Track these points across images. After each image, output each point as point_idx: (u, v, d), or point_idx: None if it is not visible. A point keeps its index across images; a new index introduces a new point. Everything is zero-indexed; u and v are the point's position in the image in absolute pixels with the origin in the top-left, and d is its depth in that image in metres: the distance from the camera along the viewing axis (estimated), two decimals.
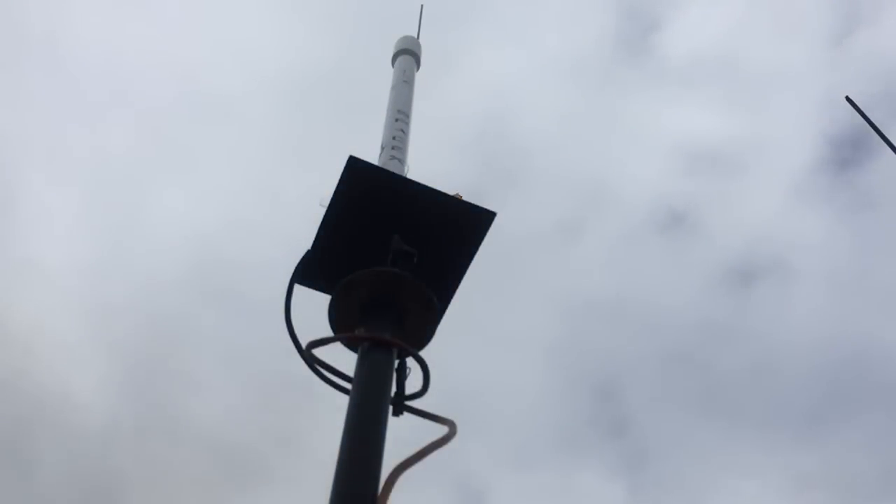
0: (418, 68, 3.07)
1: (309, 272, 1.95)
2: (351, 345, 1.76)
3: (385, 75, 3.05)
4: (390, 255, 1.85)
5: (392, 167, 2.25)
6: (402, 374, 1.73)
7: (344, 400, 1.63)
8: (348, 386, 1.68)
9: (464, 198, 2.03)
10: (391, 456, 1.50)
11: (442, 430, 1.64)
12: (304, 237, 2.01)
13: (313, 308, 1.91)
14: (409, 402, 1.71)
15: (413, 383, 1.74)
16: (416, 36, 3.27)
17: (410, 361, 1.75)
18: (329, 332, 1.83)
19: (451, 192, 2.01)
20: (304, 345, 1.79)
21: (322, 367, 1.76)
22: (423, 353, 1.76)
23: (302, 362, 1.79)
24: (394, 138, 2.43)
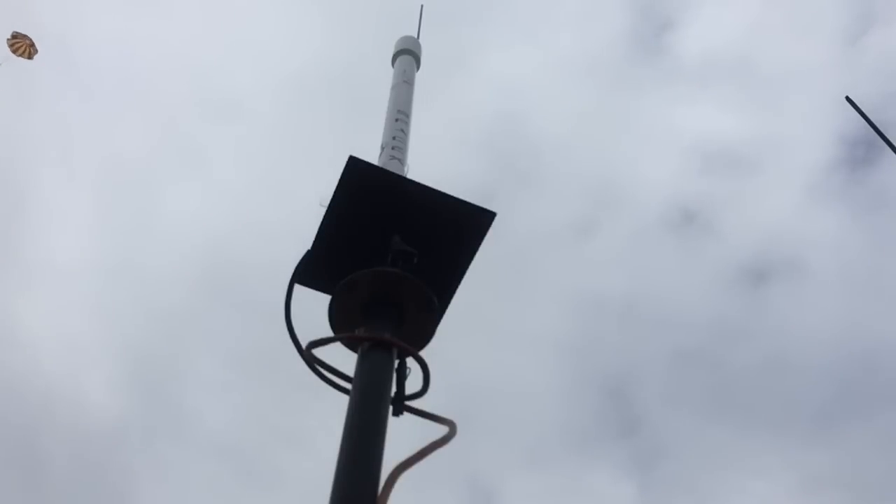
0: (418, 68, 3.07)
1: (309, 272, 1.96)
2: (351, 345, 1.76)
3: (389, 75, 3.06)
4: (390, 255, 1.85)
5: (392, 167, 2.25)
6: (402, 374, 1.73)
7: (346, 400, 1.63)
8: (348, 386, 1.68)
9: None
10: (391, 456, 1.50)
11: (442, 430, 1.64)
12: (311, 238, 2.01)
13: (313, 307, 1.92)
14: (409, 402, 1.71)
15: (413, 383, 1.75)
16: (416, 36, 3.27)
17: (410, 361, 1.75)
18: (329, 332, 1.84)
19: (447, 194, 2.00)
20: (304, 345, 1.80)
21: (322, 367, 1.76)
22: (423, 353, 1.76)
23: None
24: (394, 138, 2.43)
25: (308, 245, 1.99)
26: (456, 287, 2.03)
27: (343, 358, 1.76)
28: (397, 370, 1.72)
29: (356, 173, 1.96)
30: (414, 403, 1.71)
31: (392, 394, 1.66)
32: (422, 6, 3.55)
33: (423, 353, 1.76)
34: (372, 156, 2.36)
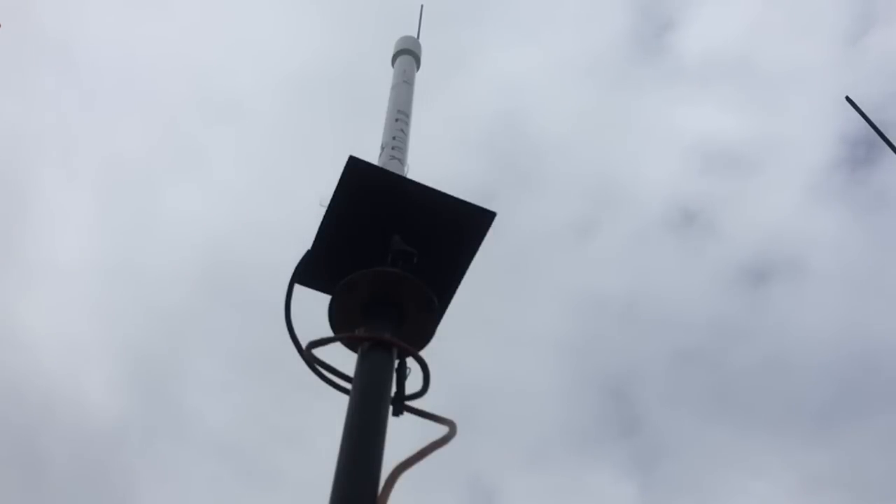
0: (418, 68, 3.07)
1: (309, 272, 1.96)
2: (351, 345, 1.76)
3: (389, 75, 3.06)
4: (390, 255, 1.85)
5: (392, 167, 2.25)
6: (402, 374, 1.73)
7: (346, 400, 1.63)
8: (348, 386, 1.68)
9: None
10: (391, 456, 1.50)
11: (442, 430, 1.64)
12: (311, 238, 2.01)
13: (313, 307, 1.92)
14: (409, 402, 1.71)
15: (413, 383, 1.75)
16: (416, 36, 3.28)
17: (410, 361, 1.75)
18: (329, 332, 1.84)
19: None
20: (304, 345, 1.79)
21: (322, 367, 1.76)
22: (423, 353, 1.76)
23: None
24: (394, 138, 2.44)
25: (308, 245, 1.99)
26: (456, 287, 2.03)
27: (343, 358, 1.76)
28: (397, 370, 1.71)
29: (356, 173, 1.96)
30: (414, 403, 1.71)
31: (392, 394, 1.66)
32: (422, 6, 3.55)
33: (423, 353, 1.76)
34: (372, 156, 2.36)
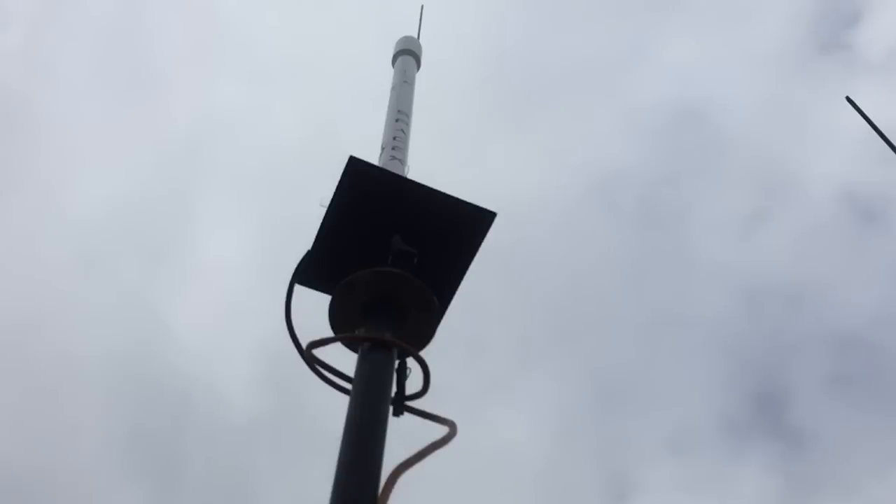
0: (418, 68, 3.08)
1: (309, 272, 1.96)
2: (351, 345, 1.76)
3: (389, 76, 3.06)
4: (390, 255, 1.85)
5: (392, 167, 2.26)
6: (403, 374, 1.73)
7: (346, 400, 1.63)
8: (348, 386, 1.68)
9: None
10: (391, 456, 1.50)
11: (442, 430, 1.64)
12: (311, 237, 2.00)
13: (313, 307, 1.92)
14: (409, 403, 1.71)
15: (413, 384, 1.75)
16: (416, 36, 3.29)
17: (411, 362, 1.75)
18: (329, 333, 1.84)
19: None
20: (304, 345, 1.80)
21: (322, 368, 1.76)
22: (423, 354, 1.76)
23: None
24: (394, 138, 2.44)
25: (308, 245, 1.99)
26: (456, 287, 2.03)
27: (343, 358, 1.76)
28: (398, 370, 1.72)
29: (356, 173, 1.96)
30: (414, 404, 1.71)
31: (392, 394, 1.66)
32: (422, 6, 3.56)
33: (423, 354, 1.76)
34: (372, 156, 2.36)
